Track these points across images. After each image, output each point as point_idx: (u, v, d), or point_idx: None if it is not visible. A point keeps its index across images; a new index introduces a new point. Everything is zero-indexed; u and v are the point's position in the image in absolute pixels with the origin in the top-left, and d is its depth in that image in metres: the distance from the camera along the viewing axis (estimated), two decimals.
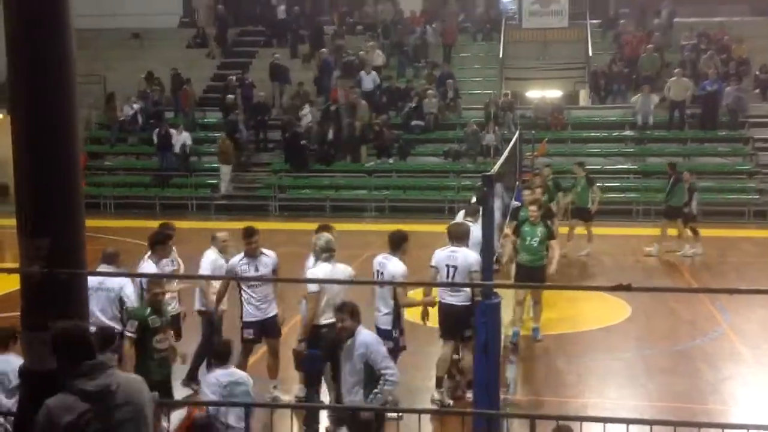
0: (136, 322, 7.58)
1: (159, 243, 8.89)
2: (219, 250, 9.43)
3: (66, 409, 3.91)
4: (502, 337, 9.58)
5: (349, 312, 6.65)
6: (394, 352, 8.70)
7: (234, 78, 26.63)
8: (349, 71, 26.69)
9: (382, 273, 8.79)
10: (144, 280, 8.19)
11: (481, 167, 21.45)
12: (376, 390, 6.53)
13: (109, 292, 8.12)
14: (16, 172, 4.43)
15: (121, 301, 8.21)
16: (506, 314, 10.05)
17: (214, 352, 7.25)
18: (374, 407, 6.46)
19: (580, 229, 17.56)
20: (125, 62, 29.11)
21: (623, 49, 26.96)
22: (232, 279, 9.08)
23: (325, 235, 8.46)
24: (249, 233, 9.04)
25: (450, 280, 9.10)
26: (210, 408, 6.57)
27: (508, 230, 11.82)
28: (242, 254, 9.05)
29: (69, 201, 4.37)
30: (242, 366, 8.56)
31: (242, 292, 9.00)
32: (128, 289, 8.26)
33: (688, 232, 17.55)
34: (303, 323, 8.38)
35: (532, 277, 10.84)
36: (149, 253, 8.97)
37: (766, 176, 23.19)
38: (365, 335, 6.69)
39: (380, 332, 8.64)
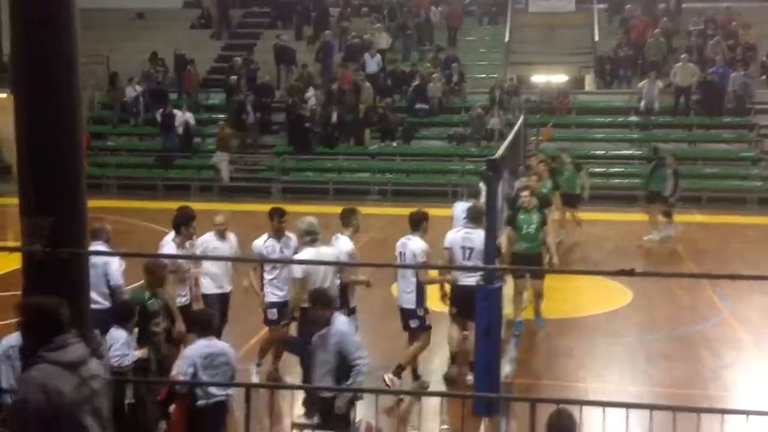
0: (137, 306, 7.61)
1: (183, 224, 8.73)
2: (215, 233, 9.25)
3: (56, 379, 3.88)
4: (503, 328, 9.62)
5: (323, 301, 6.58)
6: (419, 330, 8.76)
7: (239, 59, 26.54)
8: (352, 53, 26.60)
9: (403, 253, 8.85)
10: (170, 262, 8.22)
11: (485, 151, 21.46)
12: (349, 381, 6.46)
13: (94, 268, 8.08)
14: (18, 152, 4.42)
15: (106, 278, 8.16)
16: (507, 306, 10.09)
17: (195, 322, 7.06)
18: (375, 389, 6.49)
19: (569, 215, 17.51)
20: (129, 42, 29.05)
21: (630, 34, 26.81)
22: (257, 261, 9.06)
23: (308, 218, 8.32)
24: (280, 213, 9.06)
25: (467, 260, 9.18)
26: (189, 375, 6.44)
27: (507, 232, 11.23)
28: (266, 235, 9.05)
29: (71, 180, 4.37)
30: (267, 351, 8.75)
31: (265, 273, 8.99)
32: (113, 266, 8.22)
33: (660, 218, 17.46)
34: (289, 307, 8.41)
35: (531, 264, 10.63)
36: (172, 234, 8.83)
37: None
38: (341, 323, 6.62)
39: (405, 312, 8.82)
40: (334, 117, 24.64)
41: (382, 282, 13.26)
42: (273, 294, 8.98)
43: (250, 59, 27.00)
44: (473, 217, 9.43)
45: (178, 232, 8.73)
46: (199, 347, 6.62)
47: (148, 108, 25.93)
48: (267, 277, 8.99)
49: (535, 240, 10.79)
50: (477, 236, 9.11)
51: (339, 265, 8.31)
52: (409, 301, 8.84)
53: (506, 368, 9.33)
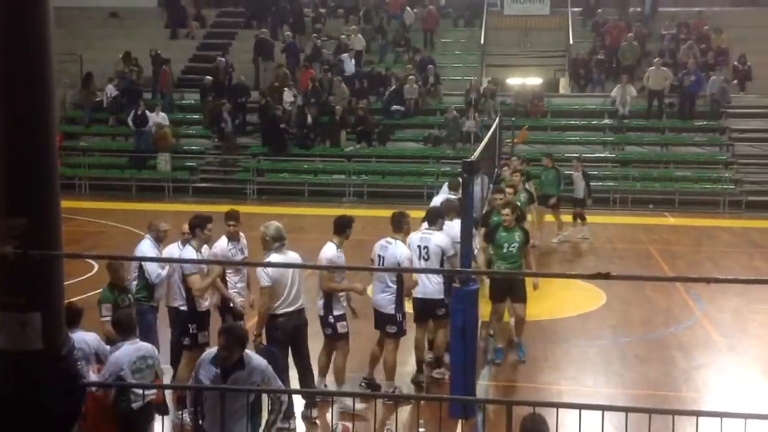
0: (109, 304, 7.75)
1: (198, 226, 8.55)
2: (154, 238, 8.97)
3: None
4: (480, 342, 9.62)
5: (237, 340, 5.88)
6: (397, 335, 8.81)
7: (224, 60, 26.37)
8: (319, 55, 26.62)
9: (383, 257, 8.82)
10: (185, 266, 8.25)
11: (460, 153, 21.53)
12: (271, 416, 5.97)
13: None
14: None
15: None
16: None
17: (119, 325, 6.80)
18: (353, 392, 6.42)
19: (549, 217, 17.57)
20: (103, 41, 28.80)
21: (604, 39, 27.00)
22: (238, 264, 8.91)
23: (274, 224, 8.08)
24: (234, 217, 8.99)
25: (423, 261, 9.13)
26: (116, 379, 6.34)
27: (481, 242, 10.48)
28: (225, 239, 8.95)
29: (45, 181, 4.31)
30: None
31: (233, 278, 8.93)
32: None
33: (564, 220, 17.60)
34: (258, 317, 8.13)
35: (512, 287, 9.84)
36: (189, 238, 8.63)
37: (742, 166, 23.39)
38: (257, 360, 6.00)
39: (382, 317, 8.74)
40: (310, 118, 24.59)
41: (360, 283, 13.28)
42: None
43: (224, 59, 26.84)
44: (430, 219, 9.40)
45: (194, 236, 8.55)
46: (129, 351, 6.53)
47: (123, 108, 25.72)
48: (235, 282, 8.90)
49: (517, 260, 9.89)
50: (435, 238, 9.13)
51: (327, 270, 8.24)
52: (388, 304, 8.77)
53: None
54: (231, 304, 8.66)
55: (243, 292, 9.03)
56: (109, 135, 26.54)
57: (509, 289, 9.85)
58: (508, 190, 12.36)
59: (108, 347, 6.68)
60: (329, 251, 8.39)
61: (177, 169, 24.64)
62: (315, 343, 8.71)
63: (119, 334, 6.66)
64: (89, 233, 18.11)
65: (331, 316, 8.44)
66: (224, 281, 8.82)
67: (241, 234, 9.15)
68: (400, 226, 9.00)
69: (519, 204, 12.15)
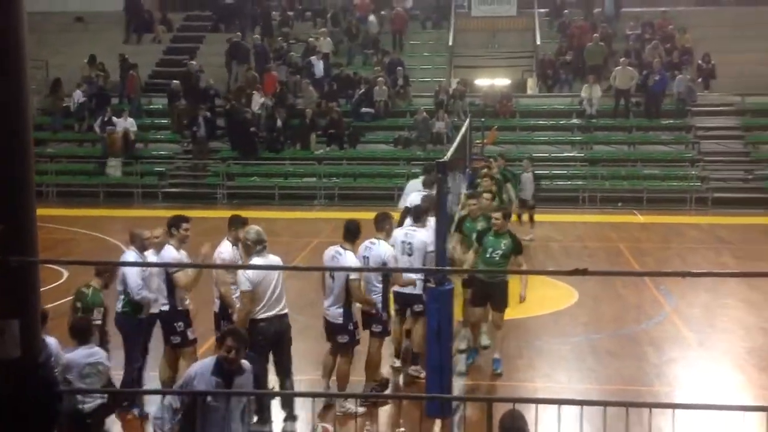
0: (102, 308, 7.81)
1: (173, 225, 8.46)
2: (138, 249, 8.63)
3: None
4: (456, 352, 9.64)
5: (243, 341, 5.85)
6: (382, 335, 8.90)
7: (194, 63, 26.19)
8: (286, 58, 26.62)
9: (368, 257, 8.90)
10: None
11: (431, 155, 21.60)
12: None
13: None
14: None
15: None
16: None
17: (73, 330, 6.79)
18: (336, 393, 6.42)
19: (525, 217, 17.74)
20: (69, 46, 28.53)
21: (572, 39, 27.24)
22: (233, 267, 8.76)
23: (254, 227, 8.04)
24: (184, 219, 8.72)
25: (407, 256, 9.25)
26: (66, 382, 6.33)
27: (455, 244, 10.24)
28: (229, 243, 8.76)
29: (21, 187, 4.27)
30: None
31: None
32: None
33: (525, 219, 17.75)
34: (238, 321, 7.98)
35: (491, 294, 9.57)
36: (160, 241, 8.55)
37: (708, 164, 23.72)
38: (247, 363, 5.99)
39: (334, 327, 8.60)
40: (279, 122, 24.54)
41: None
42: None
43: (192, 63, 26.71)
44: (415, 216, 9.52)
45: (170, 235, 8.43)
46: (80, 355, 6.51)
47: (91, 114, 25.45)
48: (235, 289, 8.60)
49: (497, 266, 9.48)
50: (420, 234, 9.23)
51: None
52: (337, 316, 8.64)
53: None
54: (231, 311, 8.40)
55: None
56: (76, 141, 26.28)
57: (489, 297, 9.64)
58: (487, 195, 11.73)
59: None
60: (354, 259, 8.51)
61: (146, 174, 24.45)
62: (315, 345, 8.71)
63: (74, 338, 6.68)
64: (58, 240, 17.91)
65: (351, 324, 8.50)
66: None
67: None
68: (382, 226, 9.04)
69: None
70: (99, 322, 7.68)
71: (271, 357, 8.12)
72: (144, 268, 8.38)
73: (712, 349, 10.98)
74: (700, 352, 10.80)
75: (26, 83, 4.29)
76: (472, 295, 9.79)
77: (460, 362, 9.81)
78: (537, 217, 18.16)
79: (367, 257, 8.86)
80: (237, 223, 8.75)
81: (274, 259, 8.11)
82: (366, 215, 16.90)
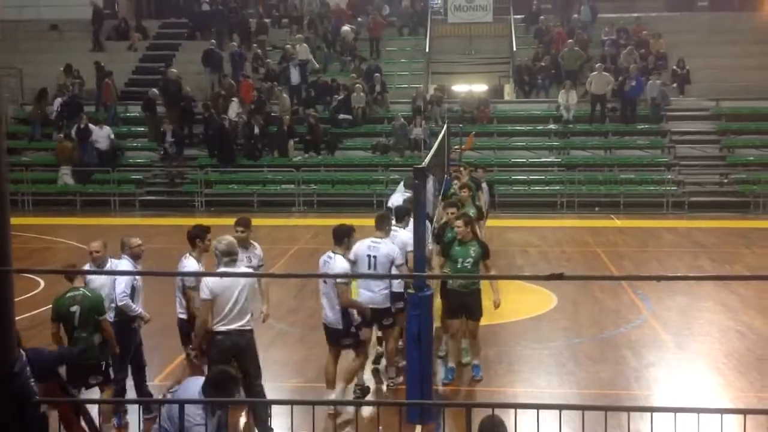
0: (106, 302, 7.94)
1: (197, 237, 8.36)
2: (133, 256, 8.52)
3: None
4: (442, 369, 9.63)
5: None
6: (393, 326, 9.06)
7: (174, 70, 26.07)
8: (262, 65, 26.60)
9: (374, 256, 8.95)
10: (187, 279, 8.16)
11: (409, 161, 21.65)
12: None
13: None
14: None
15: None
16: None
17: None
18: (312, 401, 6.38)
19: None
20: (43, 54, 28.32)
21: (549, 45, 27.39)
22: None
23: (227, 238, 7.86)
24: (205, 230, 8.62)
25: (372, 270, 9.00)
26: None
27: (437, 258, 9.88)
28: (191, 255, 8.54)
29: None
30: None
31: None
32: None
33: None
34: (194, 332, 7.92)
35: (467, 304, 9.39)
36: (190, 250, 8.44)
37: (684, 168, 23.92)
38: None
39: (335, 332, 8.64)
40: (257, 129, 24.48)
41: (312, 293, 13.26)
42: None
43: (167, 71, 26.59)
44: (397, 216, 9.42)
45: (194, 246, 8.36)
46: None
47: (68, 122, 25.24)
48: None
49: (473, 276, 9.44)
50: (383, 246, 8.97)
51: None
52: (383, 300, 8.91)
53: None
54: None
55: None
56: (53, 150, 26.04)
57: (465, 307, 9.42)
58: (464, 191, 12.01)
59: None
60: (343, 263, 8.47)
61: (123, 182, 24.29)
62: (293, 352, 8.67)
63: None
64: (34, 250, 17.76)
65: (352, 327, 8.56)
66: None
67: (254, 242, 8.97)
68: (382, 226, 9.13)
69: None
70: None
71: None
72: (136, 278, 8.33)
73: (689, 353, 11.04)
74: (678, 356, 10.86)
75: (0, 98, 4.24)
76: (447, 307, 9.58)
77: (439, 370, 9.78)
78: (515, 222, 18.23)
79: (374, 256, 8.93)
80: (240, 223, 8.82)
81: (245, 270, 8.08)
82: (344, 221, 16.85)
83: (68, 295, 7.85)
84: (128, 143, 25.78)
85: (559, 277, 4.27)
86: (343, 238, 8.62)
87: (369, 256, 8.95)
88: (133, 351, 8.43)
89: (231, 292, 7.58)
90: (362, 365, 8.99)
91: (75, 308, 7.73)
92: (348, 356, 8.90)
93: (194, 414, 5.54)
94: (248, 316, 7.75)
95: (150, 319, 8.54)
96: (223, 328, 7.60)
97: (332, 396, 8.62)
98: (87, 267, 8.35)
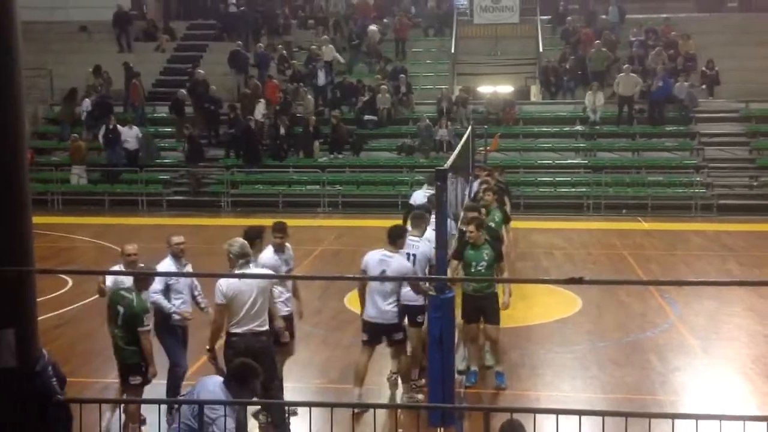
0: (149, 314, 7.88)
1: (257, 237, 8.44)
2: (174, 255, 8.57)
3: None
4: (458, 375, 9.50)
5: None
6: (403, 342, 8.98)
7: (201, 72, 26.24)
8: (286, 66, 26.69)
9: (414, 254, 9.00)
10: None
11: (434, 162, 21.59)
12: None
13: None
14: None
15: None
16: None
17: None
18: (330, 403, 6.38)
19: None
20: (73, 55, 28.63)
21: (577, 46, 27.23)
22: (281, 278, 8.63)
23: (239, 241, 7.85)
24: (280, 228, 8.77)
25: (382, 285, 8.75)
26: None
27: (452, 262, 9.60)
28: (272, 250, 8.71)
29: (16, 196, 4.27)
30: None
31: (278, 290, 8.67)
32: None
33: None
34: (210, 333, 7.89)
35: (483, 308, 9.31)
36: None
37: (713, 170, 23.66)
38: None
39: (388, 327, 8.81)
40: (282, 130, 24.58)
41: (336, 294, 13.29)
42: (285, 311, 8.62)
43: (195, 72, 26.76)
44: (391, 238, 8.90)
45: (253, 246, 8.28)
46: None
47: (97, 122, 25.49)
48: (280, 291, 8.62)
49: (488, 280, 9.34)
50: (395, 261, 8.72)
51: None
52: (392, 317, 8.78)
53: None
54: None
55: (288, 303, 8.74)
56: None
57: (481, 311, 9.32)
58: (488, 195, 11.65)
59: None
60: (402, 260, 8.76)
61: (151, 182, 24.48)
62: (317, 353, 8.68)
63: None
64: (62, 249, 17.95)
65: (402, 321, 8.72)
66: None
67: (288, 245, 8.95)
68: (418, 225, 9.28)
69: (494, 224, 11.30)
70: (149, 328, 7.83)
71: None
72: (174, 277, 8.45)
73: (716, 358, 10.91)
74: (705, 361, 10.74)
75: (20, 94, 4.28)
76: (463, 312, 9.37)
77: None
78: (540, 224, 18.13)
79: (414, 254, 9.01)
80: (278, 229, 8.81)
81: (261, 272, 8.04)
82: (369, 222, 16.92)
83: (121, 292, 7.92)
84: (155, 144, 25.94)
85: (579, 281, 4.23)
86: (396, 238, 8.86)
87: (408, 254, 9.02)
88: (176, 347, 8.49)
89: (246, 295, 7.58)
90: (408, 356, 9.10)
91: (121, 309, 7.82)
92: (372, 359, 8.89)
93: (216, 407, 5.59)
94: (263, 319, 7.72)
95: (190, 318, 8.59)
96: (237, 330, 7.60)
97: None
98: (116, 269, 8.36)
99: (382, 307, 8.70)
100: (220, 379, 5.96)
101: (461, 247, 9.47)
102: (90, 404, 5.26)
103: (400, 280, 8.94)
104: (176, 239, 8.63)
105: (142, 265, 8.42)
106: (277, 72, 26.66)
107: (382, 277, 8.90)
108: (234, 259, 7.68)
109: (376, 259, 8.76)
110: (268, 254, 8.62)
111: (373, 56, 27.94)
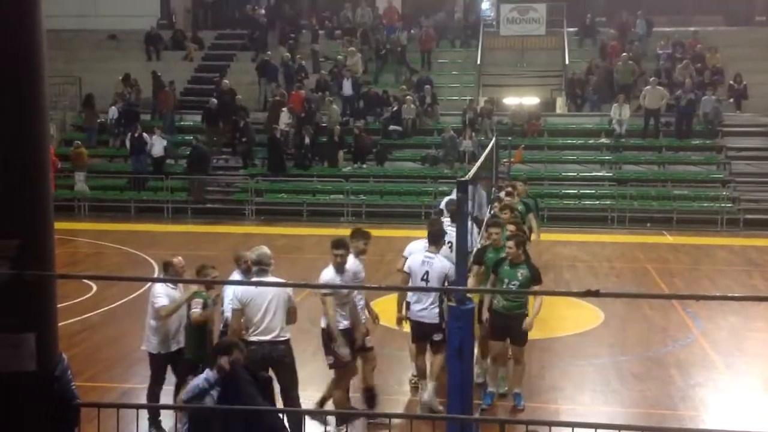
0: (201, 300, 8.00)
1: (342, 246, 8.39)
2: (243, 272, 8.37)
3: None
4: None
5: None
6: (443, 343, 8.83)
7: (227, 82, 26.46)
8: (304, 75, 26.86)
9: (429, 272, 9.01)
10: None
11: (458, 173, 21.56)
12: None
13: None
14: None
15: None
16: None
17: None
18: (381, 413, 6.32)
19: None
20: (101, 63, 28.98)
21: (609, 59, 27.12)
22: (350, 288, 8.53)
23: (261, 249, 7.86)
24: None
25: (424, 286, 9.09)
26: None
27: (472, 279, 9.50)
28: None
29: (38, 201, 4.33)
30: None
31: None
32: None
33: None
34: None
35: (511, 328, 9.17)
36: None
37: (739, 185, 23.45)
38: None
39: (430, 327, 9.01)
40: (307, 139, 24.69)
41: None
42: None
43: (221, 81, 26.97)
44: (433, 240, 9.21)
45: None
46: None
47: (125, 130, 25.77)
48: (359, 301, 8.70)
49: (516, 300, 9.16)
50: (437, 262, 8.98)
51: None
52: (434, 316, 8.94)
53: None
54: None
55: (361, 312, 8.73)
56: (108, 157, 26.63)
57: (508, 329, 9.20)
58: (510, 227, 10.65)
59: None
60: (443, 261, 8.95)
61: (176, 190, 24.68)
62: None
63: None
64: (88, 254, 18.13)
65: (444, 323, 8.72)
66: None
67: (357, 260, 8.69)
68: (436, 242, 9.25)
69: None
70: (196, 310, 7.97)
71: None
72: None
73: (738, 374, 10.80)
74: (727, 376, 10.63)
75: (43, 100, 4.34)
76: (491, 328, 9.30)
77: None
78: (564, 236, 18.05)
79: (428, 271, 9.00)
80: (359, 236, 8.78)
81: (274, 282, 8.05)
82: (392, 233, 16.93)
83: (203, 293, 8.04)
84: (183, 151, 26.18)
85: (595, 294, 4.23)
86: (438, 238, 9.10)
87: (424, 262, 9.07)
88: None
89: (259, 303, 7.64)
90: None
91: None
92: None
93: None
94: (279, 329, 7.72)
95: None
96: (255, 338, 7.65)
97: (426, 393, 8.91)
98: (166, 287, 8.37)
99: (425, 307, 9.00)
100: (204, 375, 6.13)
101: (481, 252, 9.55)
102: (108, 409, 5.30)
103: (407, 290, 8.97)
104: (248, 255, 8.36)
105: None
106: (296, 81, 26.68)
107: (389, 287, 8.91)
108: (251, 265, 7.78)
109: (419, 261, 9.12)
110: (328, 274, 8.36)
111: (399, 62, 27.98)
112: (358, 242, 8.72)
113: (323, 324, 8.39)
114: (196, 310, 7.95)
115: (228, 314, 8.09)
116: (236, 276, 8.45)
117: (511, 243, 9.24)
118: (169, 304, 8.10)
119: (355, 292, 8.43)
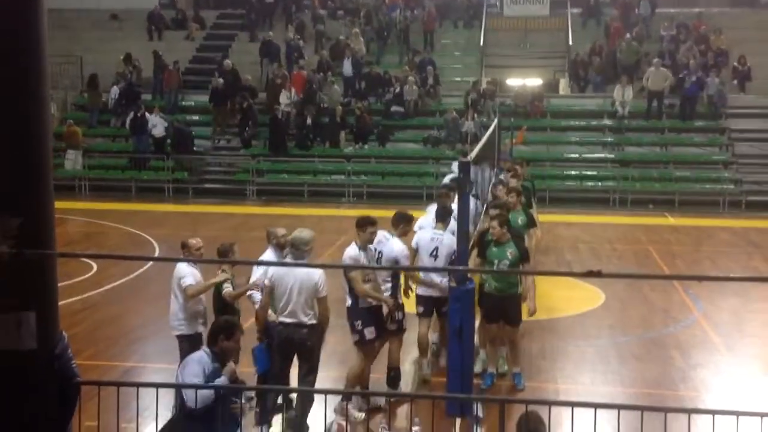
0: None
1: (368, 224, 8.36)
2: (276, 246, 8.40)
3: None
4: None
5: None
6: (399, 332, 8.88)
7: (230, 62, 26.36)
8: (300, 55, 26.77)
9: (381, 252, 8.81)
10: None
11: (459, 154, 21.53)
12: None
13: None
14: None
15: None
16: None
17: None
18: (380, 392, 6.40)
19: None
20: (103, 43, 28.87)
21: (612, 39, 27.00)
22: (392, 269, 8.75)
23: (303, 232, 7.82)
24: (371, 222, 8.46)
25: (434, 262, 9.17)
26: None
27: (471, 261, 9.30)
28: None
29: (38, 181, 4.32)
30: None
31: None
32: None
33: None
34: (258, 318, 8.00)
35: (504, 309, 9.08)
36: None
37: (742, 166, 23.41)
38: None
39: (443, 300, 8.88)
40: (309, 119, 24.63)
41: None
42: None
43: (224, 61, 26.88)
44: (441, 217, 9.39)
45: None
46: None
47: (126, 109, 25.71)
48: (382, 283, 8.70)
49: (509, 279, 9.05)
50: (446, 238, 9.14)
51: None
52: (446, 290, 8.88)
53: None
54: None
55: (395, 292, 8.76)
56: (110, 136, 26.60)
57: (502, 312, 9.11)
58: (511, 197, 10.99)
59: None
60: (400, 245, 8.83)
61: (177, 170, 24.66)
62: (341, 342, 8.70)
63: None
64: (89, 234, 18.14)
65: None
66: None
67: (387, 236, 8.81)
68: (443, 219, 9.31)
69: (519, 225, 10.68)
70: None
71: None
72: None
73: (740, 354, 10.83)
74: (727, 358, 10.65)
75: (45, 79, 4.32)
76: (485, 311, 9.22)
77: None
78: (566, 218, 18.05)
79: (437, 247, 9.09)
80: (365, 223, 8.51)
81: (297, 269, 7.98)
82: (394, 213, 16.73)
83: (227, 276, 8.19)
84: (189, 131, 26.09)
85: (597, 274, 4.21)
86: (446, 216, 9.19)
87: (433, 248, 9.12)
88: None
89: (284, 285, 7.67)
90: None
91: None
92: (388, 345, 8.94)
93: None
94: (301, 315, 7.66)
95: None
96: (281, 319, 7.73)
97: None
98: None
99: (436, 281, 9.09)
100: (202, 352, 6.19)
101: (484, 246, 9.20)
102: (109, 387, 5.32)
103: (406, 268, 8.97)
104: (281, 231, 8.52)
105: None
106: (295, 61, 26.53)
107: (387, 267, 8.89)
108: (284, 244, 8.07)
109: (427, 237, 9.28)
110: (352, 250, 8.37)
111: (401, 42, 27.84)
112: (358, 232, 8.51)
113: (348, 302, 8.44)
114: (228, 288, 8.09)
115: (253, 293, 8.18)
116: (269, 252, 8.49)
117: (494, 223, 9.06)
118: (195, 284, 8.12)
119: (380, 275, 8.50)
